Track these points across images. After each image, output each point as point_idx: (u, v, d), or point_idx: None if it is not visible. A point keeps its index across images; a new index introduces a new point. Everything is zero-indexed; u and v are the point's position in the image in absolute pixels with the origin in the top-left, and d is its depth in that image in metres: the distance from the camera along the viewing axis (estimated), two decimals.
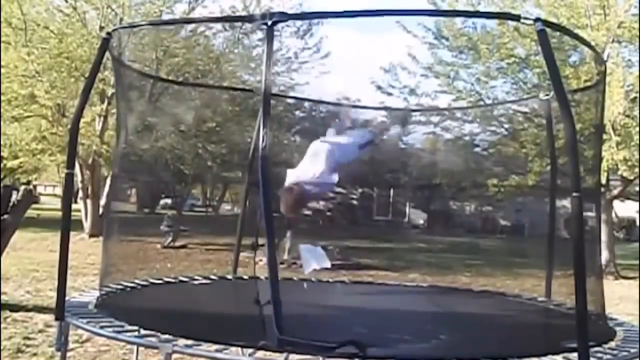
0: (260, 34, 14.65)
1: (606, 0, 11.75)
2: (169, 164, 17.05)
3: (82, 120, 5.41)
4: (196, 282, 5.22)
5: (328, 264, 4.29)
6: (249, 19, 4.33)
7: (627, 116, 11.80)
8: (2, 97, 14.89)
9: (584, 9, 12.08)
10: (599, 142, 4.36)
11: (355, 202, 18.30)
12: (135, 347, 4.45)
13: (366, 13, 3.23)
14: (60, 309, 3.45)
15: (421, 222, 23.56)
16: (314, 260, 4.12)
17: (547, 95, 5.14)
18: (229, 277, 5.54)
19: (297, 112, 16.33)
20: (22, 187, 7.19)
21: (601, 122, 4.31)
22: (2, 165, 17.70)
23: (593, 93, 4.78)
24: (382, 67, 14.30)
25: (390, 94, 14.23)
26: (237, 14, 15.23)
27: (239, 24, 15.37)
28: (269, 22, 3.08)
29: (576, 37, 4.89)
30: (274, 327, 2.85)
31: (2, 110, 14.57)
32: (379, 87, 14.26)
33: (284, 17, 3.37)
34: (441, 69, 14.01)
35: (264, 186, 2.98)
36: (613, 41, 11.74)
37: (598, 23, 11.85)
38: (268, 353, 3.19)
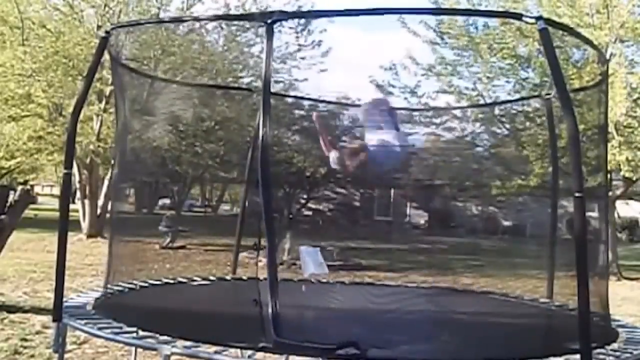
0: (260, 31, 14.62)
1: None
2: (167, 163, 17.00)
3: (80, 119, 5.37)
4: (195, 283, 5.19)
5: (326, 271, 4.31)
6: (249, 17, 4.32)
7: (630, 117, 11.77)
8: None
9: (587, 8, 12.04)
10: (604, 142, 4.32)
11: (355, 202, 18.27)
12: (133, 348, 4.42)
13: (366, 12, 3.20)
14: (58, 310, 3.43)
15: (422, 222, 23.53)
16: (312, 265, 4.12)
17: (548, 94, 5.11)
18: (228, 277, 5.51)
19: (296, 111, 16.30)
20: (20, 187, 7.14)
21: (605, 122, 4.29)
22: None
23: (595, 93, 4.76)
24: (384, 65, 14.21)
25: (391, 94, 14.16)
26: (234, 10, 15.22)
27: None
28: (269, 21, 3.07)
29: (578, 35, 4.86)
30: (272, 330, 2.83)
31: None
32: (380, 86, 14.18)
33: (284, 16, 3.36)
34: (442, 68, 13.97)
35: (264, 186, 2.95)
36: (616, 41, 11.70)
37: (601, 22, 11.81)
38: (267, 354, 3.16)
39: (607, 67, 4.82)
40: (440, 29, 13.51)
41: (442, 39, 13.74)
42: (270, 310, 2.83)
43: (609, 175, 11.79)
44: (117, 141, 4.69)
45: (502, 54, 12.99)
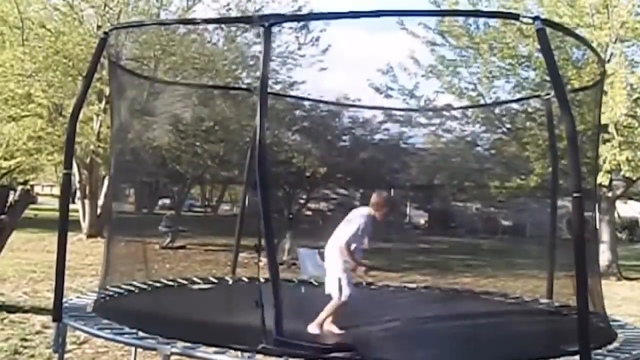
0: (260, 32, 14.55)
1: None
2: (167, 163, 17.00)
3: (80, 119, 5.38)
4: (195, 284, 5.19)
5: (324, 273, 4.32)
6: (248, 20, 4.34)
7: (631, 116, 11.75)
8: None
9: (587, 8, 12.03)
10: (596, 142, 4.35)
11: (356, 202, 18.32)
12: (133, 348, 4.42)
13: (366, 14, 3.21)
14: (58, 310, 3.43)
15: (422, 222, 23.60)
16: (311, 268, 4.12)
17: (548, 94, 5.11)
18: (228, 278, 5.52)
19: (296, 111, 16.29)
20: (20, 187, 7.13)
21: (599, 122, 4.30)
22: None
23: (594, 93, 4.77)
24: (385, 66, 14.20)
25: (390, 96, 14.15)
26: (234, 10, 15.20)
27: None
28: (266, 24, 3.10)
29: (576, 36, 4.88)
30: (272, 329, 2.84)
31: None
32: (379, 88, 14.17)
33: (281, 18, 3.38)
34: (443, 68, 13.96)
35: (262, 186, 2.95)
36: (616, 41, 11.69)
37: (601, 22, 11.79)
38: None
39: (604, 68, 4.82)
40: (440, 28, 13.51)
41: (443, 37, 13.75)
42: (273, 310, 2.84)
43: (609, 175, 11.78)
44: (113, 142, 4.69)
45: (502, 54, 12.99)
